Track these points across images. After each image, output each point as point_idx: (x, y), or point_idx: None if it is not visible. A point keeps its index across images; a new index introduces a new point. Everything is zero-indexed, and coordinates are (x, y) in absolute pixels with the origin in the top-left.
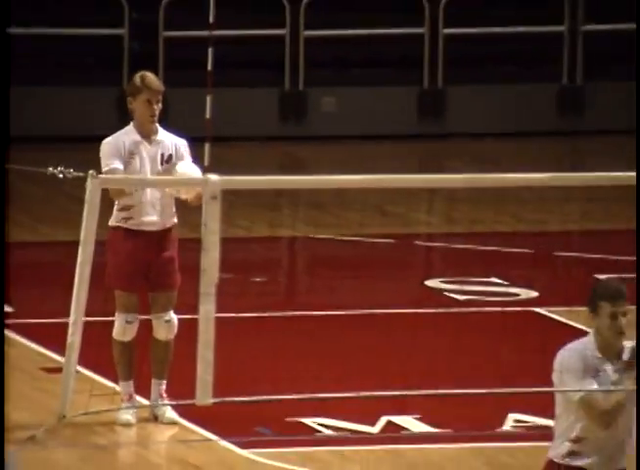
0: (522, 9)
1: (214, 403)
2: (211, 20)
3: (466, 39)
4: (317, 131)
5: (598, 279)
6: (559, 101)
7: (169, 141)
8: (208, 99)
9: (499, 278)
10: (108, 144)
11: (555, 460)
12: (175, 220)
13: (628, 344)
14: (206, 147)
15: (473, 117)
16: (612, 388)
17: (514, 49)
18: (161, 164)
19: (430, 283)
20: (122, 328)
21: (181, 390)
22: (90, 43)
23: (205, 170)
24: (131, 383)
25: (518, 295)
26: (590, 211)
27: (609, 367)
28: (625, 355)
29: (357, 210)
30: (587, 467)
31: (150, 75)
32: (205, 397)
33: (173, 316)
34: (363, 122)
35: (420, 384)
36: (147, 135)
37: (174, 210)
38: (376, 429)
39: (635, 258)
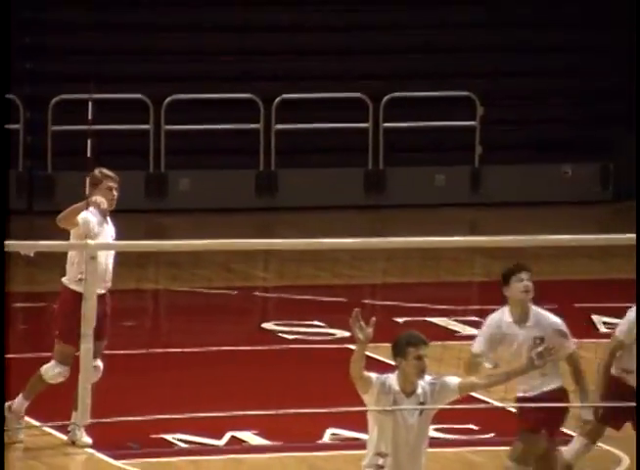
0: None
1: (92, 424)
2: (90, 117)
3: (295, 133)
4: (176, 205)
5: (407, 331)
6: (366, 181)
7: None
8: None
9: (320, 321)
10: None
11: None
12: None
13: (427, 379)
14: None
15: (300, 194)
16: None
17: (329, 142)
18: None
19: (265, 325)
20: (57, 376)
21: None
22: None
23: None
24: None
25: (334, 334)
26: (389, 268)
27: (406, 401)
28: (421, 390)
29: (206, 267)
30: None
31: (106, 170)
32: (84, 418)
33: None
34: (211, 199)
35: (258, 405)
36: (104, 215)
37: None
38: (222, 442)
39: None
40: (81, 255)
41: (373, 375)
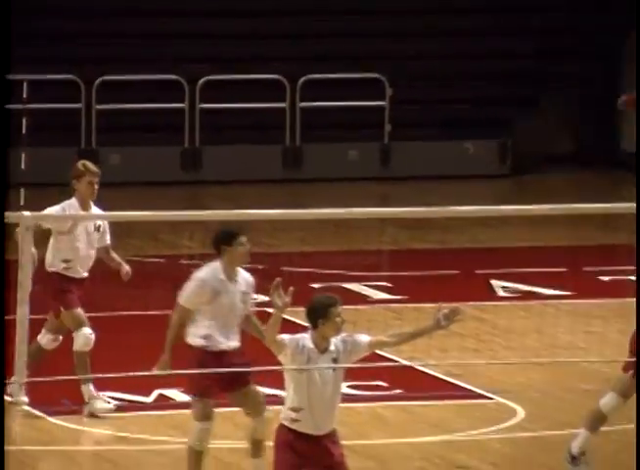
0: (259, 91)
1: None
2: (25, 96)
3: (219, 112)
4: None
5: (319, 294)
6: (284, 157)
7: (98, 211)
8: (23, 155)
9: None
10: (54, 210)
11: (284, 423)
12: None
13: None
14: (22, 191)
15: (223, 169)
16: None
17: (250, 120)
18: (95, 230)
19: None
20: (50, 342)
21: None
22: None
23: (20, 209)
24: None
25: (256, 299)
26: (306, 237)
27: (320, 357)
28: (334, 347)
29: (138, 237)
30: (305, 430)
31: (89, 163)
32: (21, 376)
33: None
34: (140, 173)
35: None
36: (86, 208)
37: None
38: (150, 399)
39: None
40: (63, 242)
41: (286, 337)
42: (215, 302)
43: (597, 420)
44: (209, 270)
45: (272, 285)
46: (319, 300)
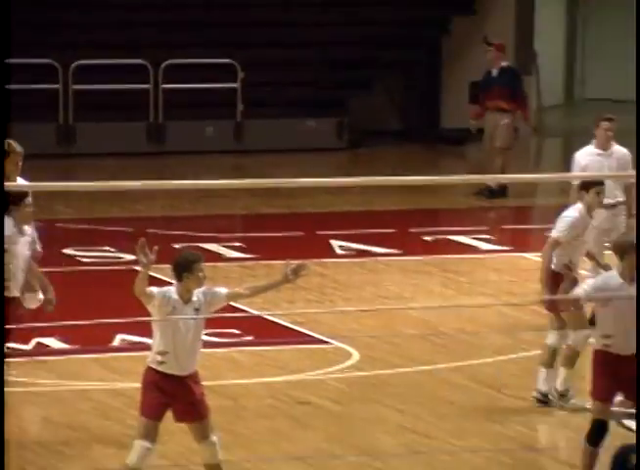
0: (127, 74)
1: None
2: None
3: (92, 92)
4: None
5: (185, 251)
6: (147, 133)
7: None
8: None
9: (111, 247)
10: None
11: (151, 366)
12: None
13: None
14: None
15: (94, 144)
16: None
17: (119, 100)
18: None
19: (67, 251)
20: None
21: None
22: None
23: None
24: None
25: (122, 258)
26: (169, 204)
27: (184, 307)
28: (196, 298)
29: None
30: (170, 371)
31: (13, 142)
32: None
33: None
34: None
35: (60, 316)
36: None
37: None
38: (29, 347)
39: None
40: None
41: (155, 289)
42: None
43: (568, 357)
44: None
45: (137, 245)
46: (184, 256)
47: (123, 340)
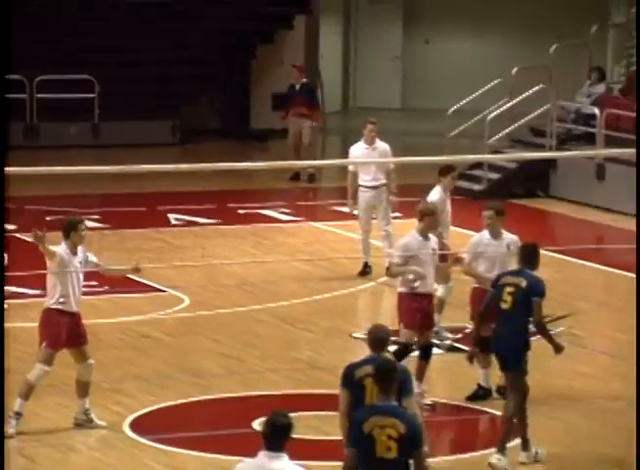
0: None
1: None
2: None
3: None
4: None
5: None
6: (24, 132)
7: None
8: None
9: None
10: None
11: (52, 307)
12: None
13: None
14: None
15: None
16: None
17: None
18: None
19: None
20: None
21: None
22: None
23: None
24: None
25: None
26: (49, 187)
27: (74, 259)
28: (82, 254)
29: None
30: (68, 309)
31: None
32: None
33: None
34: None
35: None
36: None
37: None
38: None
39: None
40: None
41: (56, 248)
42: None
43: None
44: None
45: (33, 232)
46: (70, 220)
47: (15, 293)
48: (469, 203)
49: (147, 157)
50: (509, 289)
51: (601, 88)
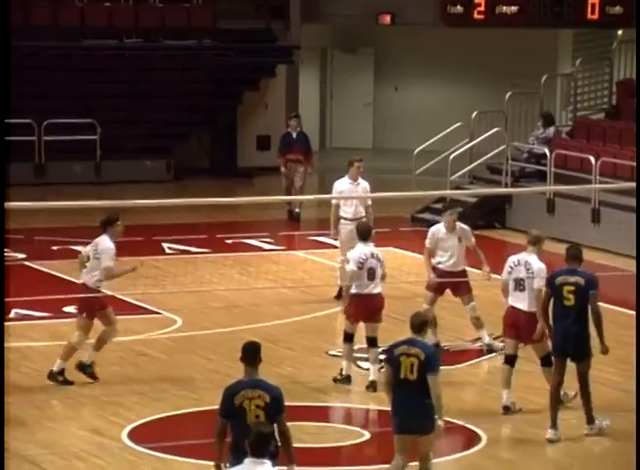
0: None
1: None
2: None
3: None
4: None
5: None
6: (35, 171)
7: None
8: None
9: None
10: None
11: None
12: None
13: None
14: None
15: None
16: None
17: None
18: None
19: None
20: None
21: None
22: None
23: None
24: None
25: (17, 256)
26: (54, 220)
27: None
28: None
29: None
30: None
31: None
32: None
33: None
34: None
35: None
36: None
37: None
38: None
39: None
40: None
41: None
42: None
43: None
44: None
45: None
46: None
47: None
48: None
49: (144, 192)
50: (568, 288)
51: (550, 131)
